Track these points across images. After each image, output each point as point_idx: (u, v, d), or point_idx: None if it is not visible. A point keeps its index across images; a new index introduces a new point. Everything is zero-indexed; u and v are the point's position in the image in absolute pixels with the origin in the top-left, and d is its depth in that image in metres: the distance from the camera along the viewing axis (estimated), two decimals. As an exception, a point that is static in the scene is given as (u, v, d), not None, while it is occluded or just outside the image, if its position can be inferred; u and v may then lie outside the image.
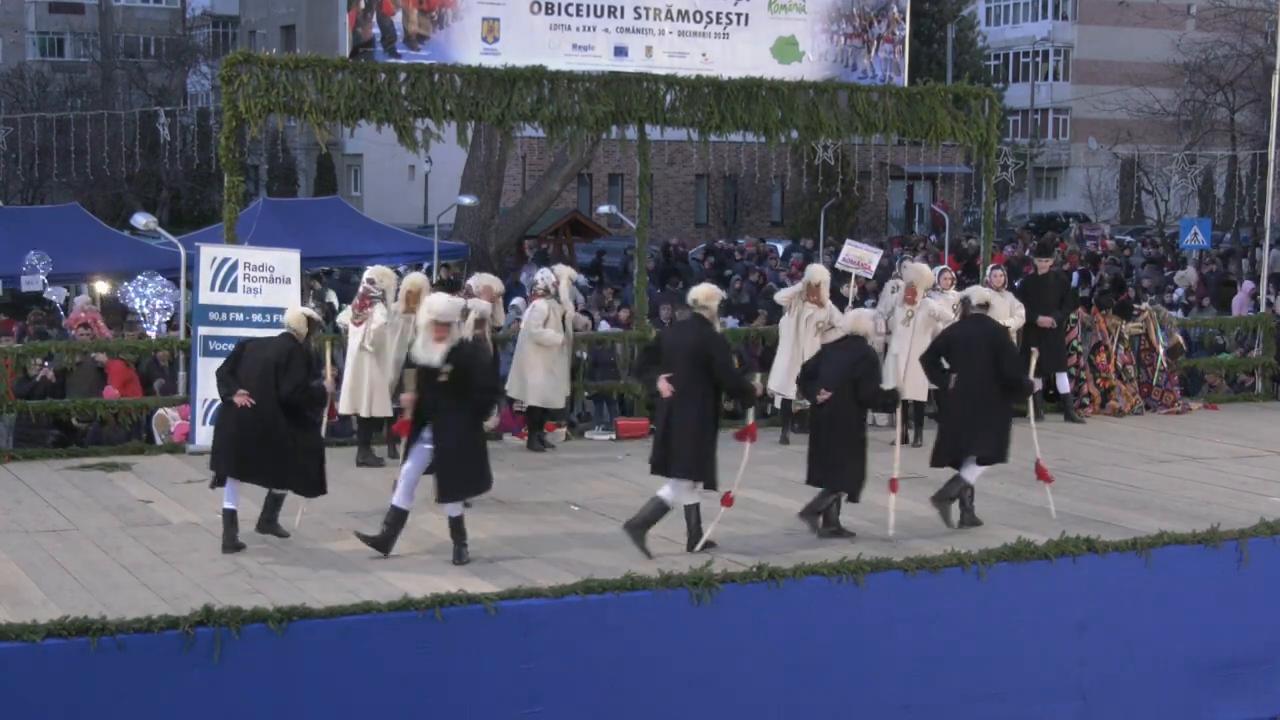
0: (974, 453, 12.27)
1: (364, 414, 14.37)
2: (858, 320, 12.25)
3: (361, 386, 14.25)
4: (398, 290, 14.54)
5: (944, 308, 15.82)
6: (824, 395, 11.74)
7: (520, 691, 9.61)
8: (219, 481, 11.22)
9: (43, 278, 22.65)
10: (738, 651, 10.18)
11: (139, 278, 21.18)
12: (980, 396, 12.24)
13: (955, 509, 12.30)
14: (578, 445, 15.86)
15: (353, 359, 14.27)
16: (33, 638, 8.62)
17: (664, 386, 11.22)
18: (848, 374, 11.71)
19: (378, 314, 14.19)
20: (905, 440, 14.29)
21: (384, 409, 14.28)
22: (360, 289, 14.64)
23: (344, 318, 14.78)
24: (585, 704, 9.77)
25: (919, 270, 16.42)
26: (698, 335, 11.32)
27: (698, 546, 11.27)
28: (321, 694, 9.17)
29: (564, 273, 15.87)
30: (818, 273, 16.10)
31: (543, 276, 15.73)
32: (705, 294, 11.56)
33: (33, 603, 9.67)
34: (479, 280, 15.13)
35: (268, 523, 11.43)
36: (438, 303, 11.04)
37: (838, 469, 11.77)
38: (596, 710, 9.83)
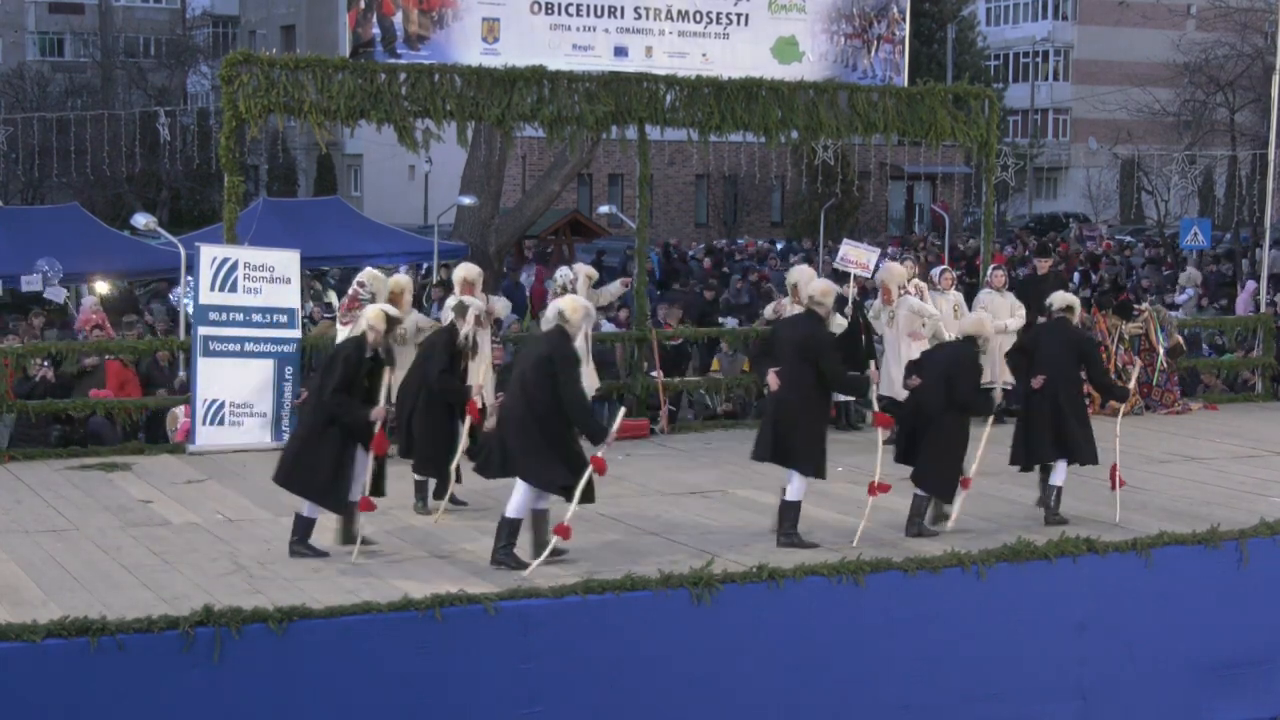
0: (1063, 455, 12.34)
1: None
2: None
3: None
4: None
5: (925, 304, 15.90)
6: (914, 381, 11.94)
7: (520, 691, 9.61)
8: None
9: (54, 282, 22.58)
10: (738, 651, 10.18)
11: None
12: (1066, 398, 12.30)
13: (1053, 507, 12.43)
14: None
15: None
16: (33, 638, 8.62)
17: (772, 379, 11.41)
18: (942, 372, 11.81)
19: None
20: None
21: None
22: (350, 290, 14.65)
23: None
24: (585, 704, 9.77)
25: (890, 269, 16.67)
26: (805, 330, 11.50)
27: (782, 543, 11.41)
28: (321, 694, 9.17)
29: (582, 271, 15.83)
30: (794, 273, 16.13)
31: (561, 274, 15.71)
32: (821, 290, 11.69)
33: (33, 603, 9.66)
34: (456, 274, 15.09)
35: (299, 543, 10.95)
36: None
37: (925, 471, 11.86)
38: (596, 710, 9.83)
